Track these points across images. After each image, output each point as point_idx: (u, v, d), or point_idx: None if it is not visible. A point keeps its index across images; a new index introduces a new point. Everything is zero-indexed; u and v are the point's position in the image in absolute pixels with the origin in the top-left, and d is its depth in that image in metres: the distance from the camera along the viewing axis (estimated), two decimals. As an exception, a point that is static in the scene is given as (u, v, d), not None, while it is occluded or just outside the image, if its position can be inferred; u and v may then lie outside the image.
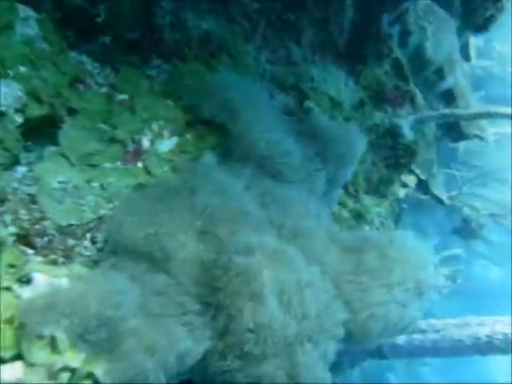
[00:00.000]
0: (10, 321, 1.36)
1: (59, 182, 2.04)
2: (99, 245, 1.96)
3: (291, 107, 3.31)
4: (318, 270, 2.16)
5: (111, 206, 2.10)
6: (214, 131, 2.74)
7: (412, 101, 4.76)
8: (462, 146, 7.89)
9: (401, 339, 4.11)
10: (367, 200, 4.28)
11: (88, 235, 1.99)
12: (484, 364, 10.65)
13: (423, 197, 6.14)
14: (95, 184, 2.14)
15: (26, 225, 1.87)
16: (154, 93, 2.60)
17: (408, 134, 4.58)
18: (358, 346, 2.27)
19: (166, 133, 2.47)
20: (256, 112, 2.75)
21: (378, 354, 4.22)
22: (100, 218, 2.05)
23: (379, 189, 4.62)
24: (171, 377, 1.66)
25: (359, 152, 3.29)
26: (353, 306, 2.22)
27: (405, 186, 5.25)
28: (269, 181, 2.65)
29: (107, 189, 2.15)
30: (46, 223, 1.93)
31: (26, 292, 1.46)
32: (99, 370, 1.45)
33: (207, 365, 1.84)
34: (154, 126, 2.44)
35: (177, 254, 1.96)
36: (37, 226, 1.90)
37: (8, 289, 1.44)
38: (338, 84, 4.06)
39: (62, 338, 1.38)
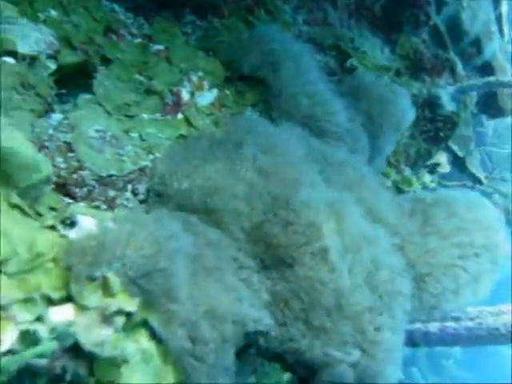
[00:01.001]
0: (55, 260, 1.18)
1: (96, 131, 1.87)
2: (141, 196, 1.78)
3: (332, 67, 3.09)
4: (380, 227, 1.95)
5: (152, 157, 1.92)
6: (254, 88, 2.55)
7: (452, 70, 4.50)
8: (490, 129, 7.59)
9: (433, 326, 3.89)
10: (408, 172, 4.05)
11: (129, 186, 1.82)
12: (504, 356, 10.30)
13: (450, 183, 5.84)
14: (134, 134, 1.96)
15: (63, 173, 1.70)
16: (191, 46, 2.42)
17: (448, 104, 4.32)
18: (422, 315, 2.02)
19: (205, 85, 2.28)
20: (298, 66, 2.54)
21: (409, 341, 4.02)
22: (141, 170, 1.87)
23: (417, 163, 4.38)
24: (228, 340, 1.46)
25: (408, 117, 3.06)
26: (418, 268, 2.01)
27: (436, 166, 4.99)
28: (314, 139, 2.44)
29: (146, 140, 1.97)
30: (84, 173, 1.76)
31: (71, 233, 1.28)
32: (154, 319, 1.27)
33: (267, 330, 1.64)
34: (194, 78, 2.26)
35: (226, 207, 1.78)
36: (75, 176, 1.73)
37: (52, 227, 1.26)
38: (375, 51, 3.84)
39: (114, 280, 1.20)
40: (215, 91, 2.30)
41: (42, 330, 1.01)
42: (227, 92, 2.41)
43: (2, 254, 1.13)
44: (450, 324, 3.62)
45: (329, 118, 2.55)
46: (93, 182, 1.76)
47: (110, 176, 1.80)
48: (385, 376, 1.69)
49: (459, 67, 4.60)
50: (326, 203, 1.81)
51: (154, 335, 1.28)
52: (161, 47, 2.30)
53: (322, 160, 2.19)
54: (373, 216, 2.00)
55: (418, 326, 4.06)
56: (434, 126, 4.28)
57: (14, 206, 1.24)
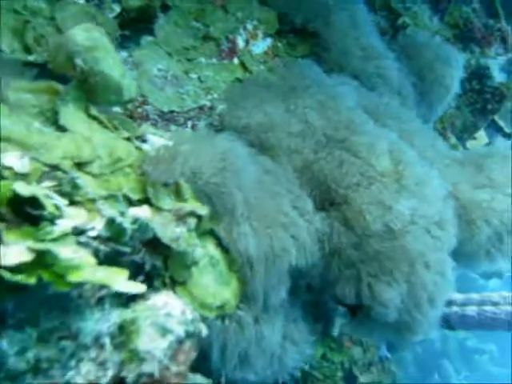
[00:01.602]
0: (132, 167, 1.27)
1: (159, 70, 1.95)
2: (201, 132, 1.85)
3: (383, 27, 3.07)
4: (435, 171, 1.95)
5: (210, 97, 1.99)
6: (305, 41, 2.57)
7: (503, 40, 4.35)
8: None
9: (471, 310, 3.83)
10: (454, 141, 3.99)
11: (189, 123, 1.89)
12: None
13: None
14: (193, 76, 2.03)
15: (129, 106, 1.79)
16: (245, -3, 2.46)
17: (497, 76, 4.19)
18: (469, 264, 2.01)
19: (260, 34, 2.32)
20: (352, 19, 2.54)
21: (445, 323, 3.97)
22: (200, 108, 1.94)
23: (463, 136, 4.30)
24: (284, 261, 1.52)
25: (458, 79, 3.01)
26: (470, 214, 2.00)
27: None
28: (366, 90, 2.45)
29: (205, 81, 2.04)
30: (148, 108, 1.84)
31: (145, 146, 1.36)
32: (219, 229, 1.34)
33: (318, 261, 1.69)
34: (249, 27, 2.30)
35: (281, 143, 1.82)
36: (139, 110, 1.82)
37: (128, 139, 1.34)
38: (424, 18, 3.76)
39: (186, 186, 1.27)
40: (269, 40, 2.34)
41: (125, 222, 1.09)
42: (279, 44, 2.44)
43: (85, 157, 1.22)
44: (489, 308, 3.59)
45: (381, 72, 2.54)
46: (156, 117, 1.84)
47: (171, 112, 1.88)
48: (427, 317, 1.71)
49: (512, 37, 4.43)
50: (383, 144, 1.83)
51: (219, 244, 1.36)
52: (217, -4, 2.35)
53: (375, 109, 2.20)
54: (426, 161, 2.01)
55: (455, 309, 4.03)
56: (482, 98, 4.17)
57: (94, 118, 1.33)
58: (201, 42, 2.19)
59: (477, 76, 4.07)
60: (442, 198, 1.83)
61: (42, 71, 1.63)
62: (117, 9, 2.02)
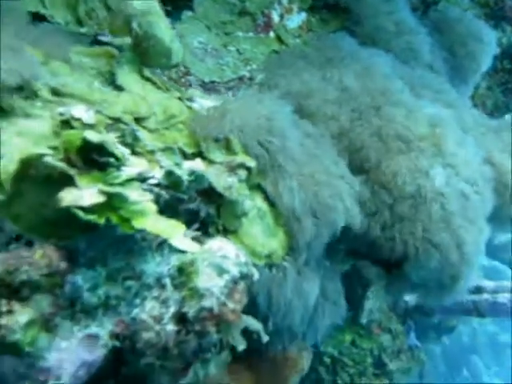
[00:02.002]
0: (185, 123, 1.34)
1: (199, 43, 2.02)
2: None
3: (414, 2, 3.07)
4: (471, 138, 1.97)
5: (249, 68, 2.06)
6: (338, 16, 2.61)
7: (535, 18, 4.27)
8: None
9: (503, 297, 3.80)
10: (485, 120, 3.94)
11: (230, 93, 1.96)
12: None
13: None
14: (231, 48, 2.10)
15: (173, 76, 1.87)
16: (279, -27, 2.50)
17: (529, 54, 4.11)
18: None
19: (294, 8, 2.37)
20: (384, -7, 2.56)
21: (476, 311, 3.94)
22: (240, 78, 2.01)
23: (493, 115, 4.25)
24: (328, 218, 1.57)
25: (490, 56, 2.99)
26: (505, 180, 2.02)
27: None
28: (399, 63, 2.47)
29: (243, 53, 2.11)
30: (191, 78, 1.92)
31: (195, 105, 1.44)
32: (266, 184, 1.41)
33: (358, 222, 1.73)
34: (284, 1, 2.35)
35: (319, 110, 1.87)
36: (183, 80, 1.89)
37: (179, 99, 1.42)
38: (454, -6, 3.72)
39: (235, 141, 1.35)
40: (303, 15, 2.39)
41: (183, 173, 1.16)
42: (313, 19, 2.49)
43: (142, 113, 1.30)
44: (523, 295, 3.56)
45: (413, 46, 2.56)
46: (198, 87, 1.92)
47: (212, 82, 1.96)
48: (460, 276, 1.74)
49: (545, 15, 4.35)
50: (420, 110, 1.86)
51: (266, 198, 1.43)
52: (252, -27, 2.41)
53: (410, 79, 2.22)
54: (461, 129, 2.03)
55: (485, 296, 4.00)
56: (514, 78, 4.10)
57: (147, 79, 1.42)
58: (237, 17, 2.25)
59: (508, 55, 4.01)
60: (477, 163, 1.85)
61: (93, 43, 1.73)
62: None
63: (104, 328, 1.19)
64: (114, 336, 1.20)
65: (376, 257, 1.75)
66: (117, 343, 1.20)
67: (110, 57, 1.40)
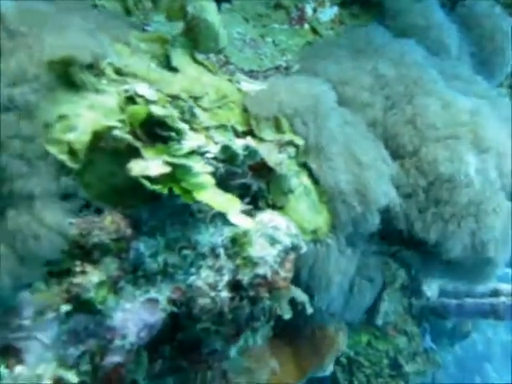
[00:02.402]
0: (235, 103, 1.41)
1: (238, 33, 2.10)
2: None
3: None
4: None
5: (285, 58, 2.12)
6: (369, 10, 2.66)
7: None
8: None
9: None
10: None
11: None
12: None
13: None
14: (268, 39, 2.17)
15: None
16: (311, -32, 2.58)
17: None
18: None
19: (327, 2, 2.43)
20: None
21: (493, 313, 3.90)
22: (277, 68, 2.07)
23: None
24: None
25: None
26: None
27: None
28: (431, 55, 2.51)
29: (279, 44, 2.18)
30: (231, 67, 1.99)
31: (244, 87, 1.51)
32: (311, 162, 1.47)
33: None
34: (317, -5, 2.42)
35: (355, 96, 1.93)
36: (224, 69, 1.97)
37: (230, 80, 1.50)
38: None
39: (284, 120, 1.41)
40: (335, 8, 2.45)
41: (237, 147, 1.23)
42: (344, 12, 2.55)
43: (197, 92, 1.37)
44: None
45: (442, 41, 2.60)
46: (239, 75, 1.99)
47: (251, 71, 2.02)
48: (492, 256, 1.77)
49: None
50: (456, 99, 1.91)
51: (311, 176, 1.49)
52: (285, -31, 2.48)
53: (440, 69, 2.27)
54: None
55: (503, 299, 3.97)
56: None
57: (199, 62, 1.49)
58: (272, 10, 2.33)
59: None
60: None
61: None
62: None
63: (162, 294, 1.26)
64: (172, 302, 1.26)
65: (411, 239, 1.79)
66: (174, 309, 1.27)
67: (163, 42, 1.48)
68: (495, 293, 4.05)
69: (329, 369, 1.83)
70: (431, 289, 4.04)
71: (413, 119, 1.91)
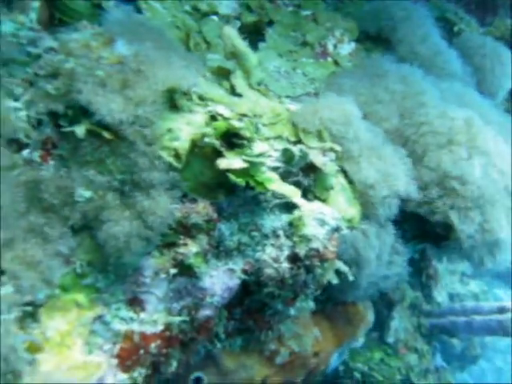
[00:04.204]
0: (286, 119, 1.83)
1: (274, 66, 2.54)
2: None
3: (441, 35, 3.57)
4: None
5: (314, 86, 2.55)
6: (380, 45, 3.12)
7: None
8: None
9: None
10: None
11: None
12: None
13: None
14: (298, 71, 2.61)
15: (258, 92, 2.37)
16: (330, 11, 3.05)
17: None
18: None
19: (345, 39, 2.89)
20: (415, 23, 3.06)
21: (501, 330, 4.15)
22: (307, 94, 2.50)
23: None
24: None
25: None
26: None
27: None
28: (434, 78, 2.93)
29: (308, 75, 2.61)
30: (270, 93, 2.41)
31: (291, 107, 1.93)
32: (346, 166, 1.87)
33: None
34: (337, 34, 2.87)
35: (372, 110, 2.32)
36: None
37: (281, 102, 1.92)
38: (476, 26, 4.20)
39: (325, 132, 1.82)
40: (352, 44, 2.91)
41: (295, 150, 1.64)
42: (360, 47, 3.01)
43: (258, 111, 1.79)
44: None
45: (445, 65, 3.01)
46: (276, 100, 2.41)
47: (287, 97, 2.45)
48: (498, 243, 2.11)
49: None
50: (454, 111, 2.30)
51: (346, 176, 1.89)
52: (308, 13, 2.95)
53: (438, 87, 2.67)
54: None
55: (510, 315, 4.23)
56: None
57: (254, 89, 1.92)
58: (300, 47, 2.78)
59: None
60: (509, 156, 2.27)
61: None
62: (237, 23, 2.65)
63: (238, 265, 1.64)
64: (244, 272, 1.64)
65: (425, 229, 2.16)
66: (246, 277, 1.64)
67: (225, 73, 1.91)
68: (502, 310, 4.29)
69: (361, 340, 2.16)
70: (441, 295, 4.33)
71: (419, 127, 2.28)
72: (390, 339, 4.62)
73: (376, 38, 3.13)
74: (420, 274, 4.27)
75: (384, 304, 4.64)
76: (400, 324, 4.74)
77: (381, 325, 4.58)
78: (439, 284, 4.34)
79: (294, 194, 1.57)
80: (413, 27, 3.05)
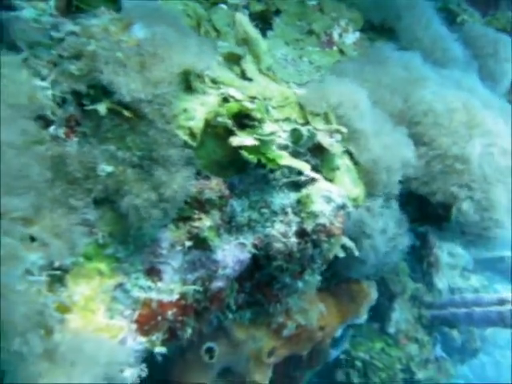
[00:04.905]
0: (294, 102, 1.91)
1: (282, 54, 2.61)
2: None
3: (443, 24, 3.63)
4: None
5: (319, 73, 2.63)
6: (383, 34, 3.19)
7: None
8: None
9: None
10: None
11: (307, 91, 2.52)
12: None
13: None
14: (305, 59, 2.69)
15: (265, 78, 2.44)
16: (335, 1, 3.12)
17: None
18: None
19: (350, 29, 2.96)
20: (419, 12, 3.12)
21: (501, 321, 4.22)
22: (319, 81, 2.57)
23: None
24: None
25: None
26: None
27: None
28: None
29: (314, 63, 2.69)
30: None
31: (298, 91, 2.01)
32: (351, 147, 1.95)
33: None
34: (342, 23, 2.95)
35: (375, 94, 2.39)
36: (272, 81, 2.46)
37: (289, 87, 2.00)
38: (478, 17, 4.25)
39: (331, 114, 1.90)
40: (357, 33, 2.98)
41: (303, 130, 1.72)
42: (364, 36, 3.08)
43: (268, 95, 1.87)
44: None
45: (447, 51, 3.07)
46: (283, 87, 2.48)
47: (294, 83, 2.52)
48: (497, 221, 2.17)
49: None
50: (453, 94, 2.38)
51: (352, 158, 1.97)
52: (314, 2, 3.02)
53: (442, 75, 2.74)
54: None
55: (510, 307, 4.30)
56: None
57: (264, 74, 2.00)
58: (306, 36, 2.85)
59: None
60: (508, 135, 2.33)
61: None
62: (246, 12, 2.73)
63: (248, 240, 1.72)
64: (254, 246, 1.73)
65: (427, 211, 2.24)
66: (256, 251, 1.73)
67: (238, 58, 1.98)
68: (502, 302, 4.36)
69: (363, 317, 2.26)
70: (442, 282, 4.42)
71: (426, 113, 2.35)
72: (391, 330, 4.70)
73: (380, 28, 3.20)
74: (421, 262, 4.35)
75: (385, 296, 4.73)
76: (401, 315, 4.82)
77: (382, 316, 4.68)
78: (440, 271, 4.42)
79: (304, 167, 1.65)
80: (416, 15, 3.12)
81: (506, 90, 3.61)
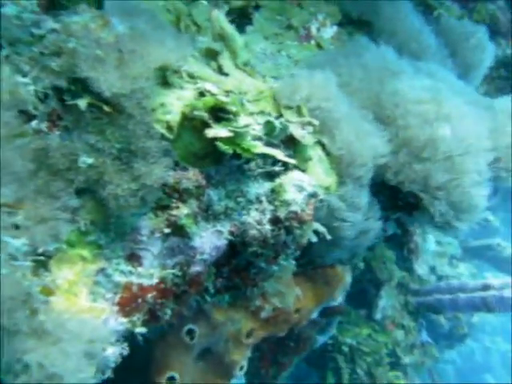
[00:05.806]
0: (269, 96, 2.00)
1: (260, 49, 2.70)
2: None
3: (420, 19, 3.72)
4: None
5: (297, 67, 2.71)
6: (361, 28, 3.28)
7: (527, 31, 4.87)
8: None
9: (509, 292, 4.24)
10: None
11: (285, 84, 2.61)
12: None
13: None
14: (283, 53, 2.78)
15: (244, 72, 2.53)
16: (314, -4, 3.20)
17: (524, 62, 4.70)
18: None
19: (328, 23, 3.05)
20: (396, 8, 3.22)
21: (485, 306, 4.36)
22: (292, 75, 2.66)
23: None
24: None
25: (488, 54, 3.59)
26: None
27: None
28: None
29: (292, 57, 2.78)
30: (257, 75, 2.57)
31: (273, 85, 2.10)
32: (324, 139, 2.05)
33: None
34: (320, 17, 3.03)
35: (350, 83, 2.49)
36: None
37: (265, 81, 2.08)
38: (456, 11, 4.36)
39: (304, 108, 2.00)
40: (335, 27, 3.07)
41: (276, 122, 1.81)
42: (342, 30, 3.17)
43: (243, 89, 1.96)
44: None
45: (421, 42, 3.17)
46: (261, 80, 2.57)
47: (272, 77, 2.61)
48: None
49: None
50: (421, 81, 2.48)
51: (324, 149, 2.07)
52: (293, -3, 3.10)
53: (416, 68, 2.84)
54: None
55: (492, 292, 4.44)
56: (510, 84, 4.69)
57: (239, 68, 2.08)
58: (285, 30, 2.94)
59: (503, 65, 4.60)
60: (472, 123, 2.44)
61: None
62: (226, 7, 2.80)
63: (225, 227, 1.82)
64: (231, 233, 1.83)
65: (399, 199, 2.35)
66: (232, 238, 1.83)
67: (215, 54, 2.07)
68: (486, 287, 4.50)
69: (338, 300, 2.38)
70: (422, 268, 4.57)
71: (393, 95, 2.44)
72: (378, 316, 4.83)
73: (358, 22, 3.29)
74: (402, 249, 4.49)
75: (373, 284, 4.86)
76: (387, 302, 4.96)
77: (369, 303, 4.81)
78: (420, 258, 4.56)
79: (278, 154, 1.75)
80: (394, 9, 3.21)
81: (479, 81, 3.74)
